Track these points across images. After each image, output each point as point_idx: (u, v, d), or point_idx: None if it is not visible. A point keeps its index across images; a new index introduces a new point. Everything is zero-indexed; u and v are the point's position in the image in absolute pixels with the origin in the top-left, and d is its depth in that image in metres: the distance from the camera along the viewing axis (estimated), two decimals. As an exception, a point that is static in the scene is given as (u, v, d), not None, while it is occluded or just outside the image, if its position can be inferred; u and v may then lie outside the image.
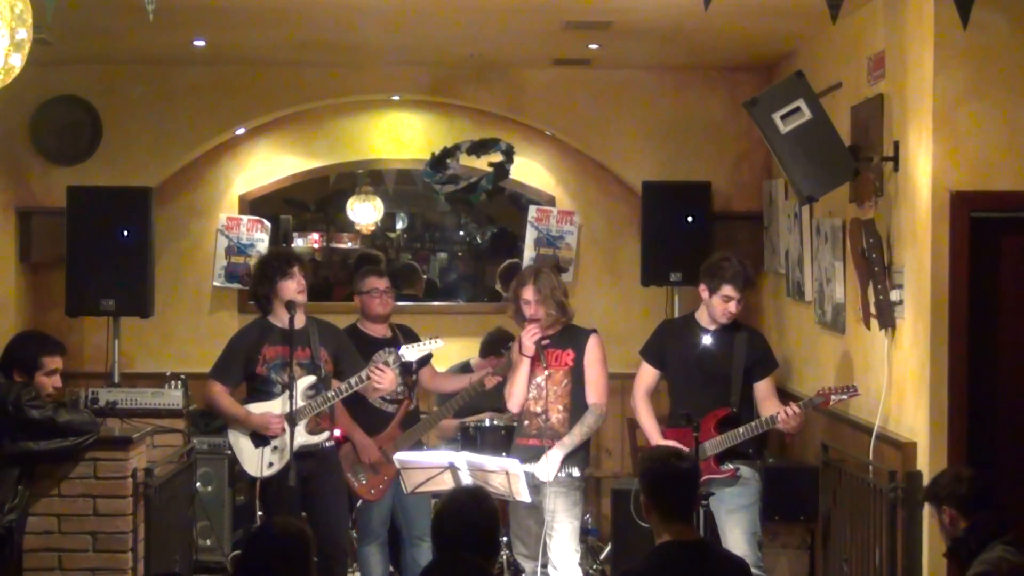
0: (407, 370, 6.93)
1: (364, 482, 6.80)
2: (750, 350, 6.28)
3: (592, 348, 6.19)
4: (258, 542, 3.96)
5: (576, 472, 6.14)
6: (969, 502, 4.65)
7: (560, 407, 6.14)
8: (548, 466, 6.04)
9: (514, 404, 6.24)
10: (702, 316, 6.37)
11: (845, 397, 6.14)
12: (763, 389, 6.31)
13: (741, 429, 6.11)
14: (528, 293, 6.10)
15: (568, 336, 6.22)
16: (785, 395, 6.76)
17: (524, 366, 6.15)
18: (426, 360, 7.11)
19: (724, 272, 6.24)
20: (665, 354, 6.43)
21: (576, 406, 6.15)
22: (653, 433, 6.33)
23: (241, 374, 6.53)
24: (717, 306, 6.26)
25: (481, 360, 7.82)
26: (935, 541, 5.79)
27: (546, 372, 6.12)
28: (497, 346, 7.75)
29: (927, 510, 5.80)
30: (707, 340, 6.32)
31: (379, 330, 7.04)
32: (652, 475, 4.35)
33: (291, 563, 3.83)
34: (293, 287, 6.44)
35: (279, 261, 6.55)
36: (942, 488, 4.78)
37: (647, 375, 6.47)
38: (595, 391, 6.17)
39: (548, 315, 6.11)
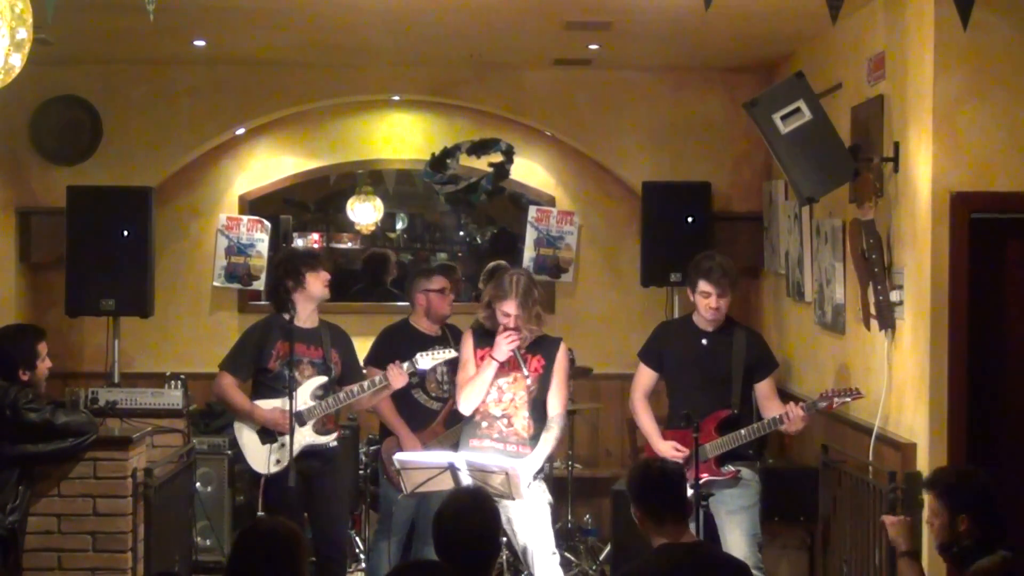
0: (454, 369, 6.93)
1: None
2: (749, 351, 6.27)
3: (561, 358, 6.11)
4: (245, 542, 3.93)
5: (541, 475, 6.04)
6: (986, 515, 4.56)
7: (525, 412, 6.04)
8: (520, 483, 5.81)
9: (469, 406, 6.10)
10: (699, 319, 6.36)
11: (848, 400, 6.13)
12: (764, 389, 6.30)
13: (743, 431, 6.10)
14: (511, 307, 5.97)
15: (537, 342, 6.11)
16: (785, 396, 6.74)
17: (489, 370, 6.01)
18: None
19: (699, 268, 6.25)
20: (663, 356, 6.42)
21: (538, 411, 6.05)
22: (653, 435, 6.32)
23: (252, 368, 6.55)
24: (700, 305, 6.26)
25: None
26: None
27: (511, 376, 6.02)
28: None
29: (926, 508, 5.81)
30: (705, 342, 6.30)
31: (430, 328, 7.04)
32: (637, 481, 4.38)
33: (280, 564, 3.80)
34: (321, 281, 6.48)
35: (306, 255, 6.65)
36: (963, 495, 4.57)
37: (645, 377, 6.46)
38: (560, 402, 6.08)
39: (530, 331, 6.00)
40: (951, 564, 4.79)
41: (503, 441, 6.03)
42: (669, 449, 6.17)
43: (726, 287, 6.21)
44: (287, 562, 3.79)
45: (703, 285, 6.22)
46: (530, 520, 5.94)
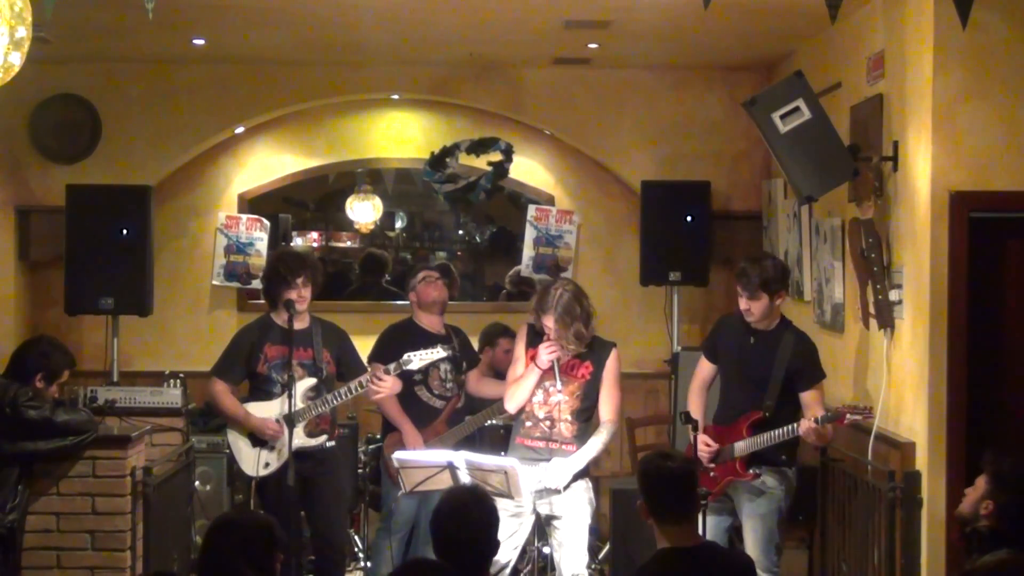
0: (457, 368, 7.02)
1: None
2: (793, 358, 6.12)
3: (611, 364, 6.09)
4: (212, 535, 3.95)
5: (586, 476, 6.07)
6: (1013, 515, 4.54)
7: (569, 417, 6.05)
8: (560, 473, 5.93)
9: (514, 406, 6.15)
10: None
11: (859, 418, 6.04)
12: (807, 399, 6.13)
13: (764, 435, 6.01)
14: (548, 321, 6.01)
15: (588, 348, 6.10)
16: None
17: (533, 375, 6.05)
18: (475, 362, 7.19)
19: (737, 269, 6.24)
20: (717, 350, 6.40)
21: (584, 418, 6.07)
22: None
23: (243, 372, 6.55)
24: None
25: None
26: (933, 541, 5.81)
27: (562, 378, 6.03)
28: (494, 338, 7.81)
29: (925, 508, 5.82)
30: (753, 340, 6.22)
31: (435, 325, 7.05)
32: (644, 477, 4.38)
33: (246, 555, 3.81)
34: (293, 296, 6.45)
35: (287, 268, 6.51)
36: (1003, 486, 4.53)
37: (704, 369, 6.43)
38: (611, 408, 6.09)
39: (566, 349, 6.02)
40: (961, 541, 4.76)
41: (547, 440, 6.06)
42: (700, 444, 6.10)
43: (755, 290, 6.10)
44: (254, 552, 3.82)
45: (737, 287, 6.22)
46: (568, 520, 5.98)
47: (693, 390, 6.43)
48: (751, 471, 6.08)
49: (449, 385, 6.99)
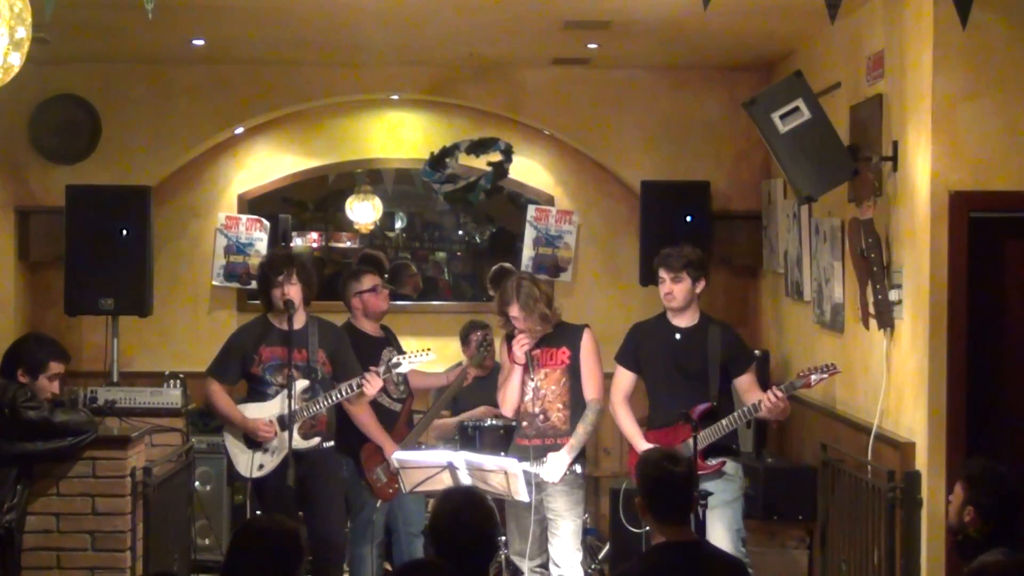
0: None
1: (384, 481, 6.79)
2: (724, 347, 6.24)
3: (587, 344, 6.23)
4: (240, 540, 3.94)
5: (578, 469, 6.18)
6: (996, 516, 4.54)
7: (560, 405, 6.17)
8: (555, 467, 6.07)
9: (508, 409, 6.28)
10: (670, 314, 6.36)
11: (825, 376, 6.09)
12: (744, 384, 6.27)
13: (724, 421, 6.08)
14: (514, 311, 6.14)
15: (560, 334, 6.25)
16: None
17: (516, 374, 6.19)
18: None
19: (659, 256, 6.31)
20: (640, 357, 6.42)
21: (575, 402, 6.18)
22: (635, 437, 6.30)
23: (238, 373, 6.55)
24: (660, 293, 6.30)
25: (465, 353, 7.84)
26: (933, 541, 5.81)
27: (542, 372, 6.16)
28: (467, 335, 7.87)
29: (925, 508, 5.82)
30: (679, 337, 6.30)
31: (375, 328, 7.11)
32: (647, 480, 4.42)
33: (275, 561, 3.80)
34: (278, 294, 6.44)
35: (270, 267, 6.55)
36: (979, 490, 4.55)
37: (623, 380, 6.44)
38: (593, 386, 6.20)
39: (532, 330, 6.15)
40: (955, 550, 4.78)
41: (541, 436, 6.15)
42: None
43: (679, 270, 6.21)
44: (282, 559, 3.80)
45: (660, 272, 6.29)
46: (560, 515, 6.08)
47: (618, 403, 6.40)
48: (711, 462, 6.09)
49: (402, 388, 7.04)
